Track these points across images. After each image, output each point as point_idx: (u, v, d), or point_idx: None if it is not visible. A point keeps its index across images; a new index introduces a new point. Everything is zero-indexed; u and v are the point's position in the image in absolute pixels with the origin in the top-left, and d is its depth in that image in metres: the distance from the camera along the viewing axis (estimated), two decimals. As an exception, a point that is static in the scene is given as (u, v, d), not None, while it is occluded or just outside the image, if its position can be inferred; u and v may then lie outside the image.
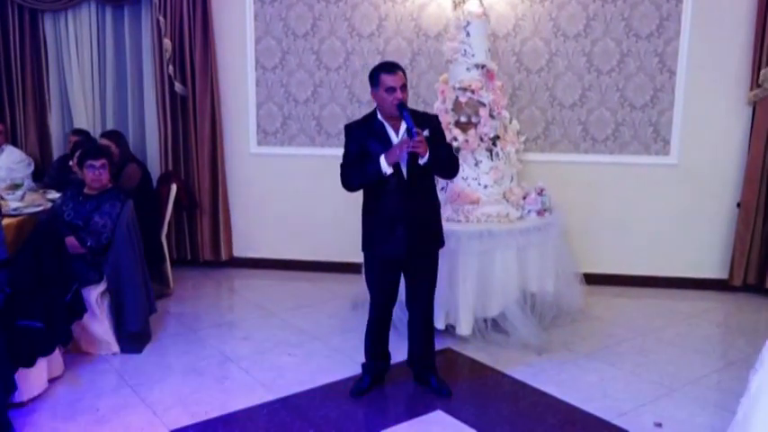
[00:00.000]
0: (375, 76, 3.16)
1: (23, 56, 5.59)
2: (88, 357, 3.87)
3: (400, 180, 3.16)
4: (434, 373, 3.51)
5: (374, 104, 3.28)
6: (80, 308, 3.66)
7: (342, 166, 3.25)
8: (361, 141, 3.20)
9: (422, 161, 3.08)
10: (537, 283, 4.21)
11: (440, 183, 4.33)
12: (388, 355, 3.57)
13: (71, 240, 3.79)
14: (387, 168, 3.09)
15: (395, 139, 3.18)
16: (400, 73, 3.13)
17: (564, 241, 4.47)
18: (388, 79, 3.10)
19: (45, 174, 5.41)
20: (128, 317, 3.95)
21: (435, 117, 3.36)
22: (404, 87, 3.12)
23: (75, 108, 5.66)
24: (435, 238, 3.37)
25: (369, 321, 3.48)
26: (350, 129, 3.27)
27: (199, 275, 5.56)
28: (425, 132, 3.08)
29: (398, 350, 3.61)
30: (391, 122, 3.20)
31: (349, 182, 3.24)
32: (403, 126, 3.13)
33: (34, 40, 5.61)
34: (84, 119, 5.64)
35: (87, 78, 5.62)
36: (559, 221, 4.39)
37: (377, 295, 3.39)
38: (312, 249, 5.53)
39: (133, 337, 3.98)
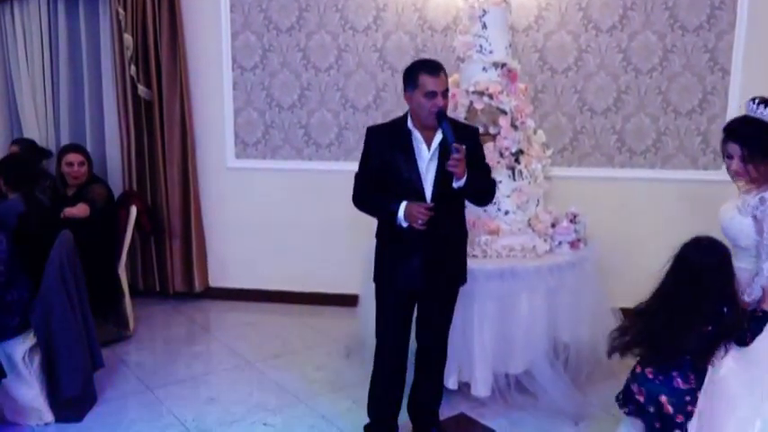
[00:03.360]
0: (413, 75, 2.69)
1: (-37, 54, 4.97)
2: (13, 430, 3.16)
3: (422, 203, 2.70)
4: (436, 423, 3.06)
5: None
6: (-5, 373, 2.91)
7: (356, 177, 2.84)
8: (384, 152, 2.76)
9: (456, 184, 2.65)
10: (570, 331, 3.56)
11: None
12: (396, 420, 3.01)
13: None
14: (404, 222, 2.67)
15: (425, 153, 2.73)
16: (443, 75, 2.70)
17: (600, 277, 3.76)
18: (429, 82, 2.65)
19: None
20: (63, 378, 3.23)
21: (476, 130, 2.95)
22: (446, 93, 2.71)
23: (24, 114, 5.01)
24: (458, 273, 2.93)
25: (376, 372, 2.94)
26: (371, 134, 2.83)
27: (168, 310, 4.86)
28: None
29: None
30: (424, 133, 2.74)
31: (359, 205, 2.85)
32: (436, 138, 2.72)
33: (-25, 36, 4.98)
34: (34, 127, 5.00)
35: (38, 80, 4.97)
36: (597, 254, 3.69)
37: (389, 337, 2.88)
38: (299, 279, 4.91)
39: (71, 402, 3.28)
